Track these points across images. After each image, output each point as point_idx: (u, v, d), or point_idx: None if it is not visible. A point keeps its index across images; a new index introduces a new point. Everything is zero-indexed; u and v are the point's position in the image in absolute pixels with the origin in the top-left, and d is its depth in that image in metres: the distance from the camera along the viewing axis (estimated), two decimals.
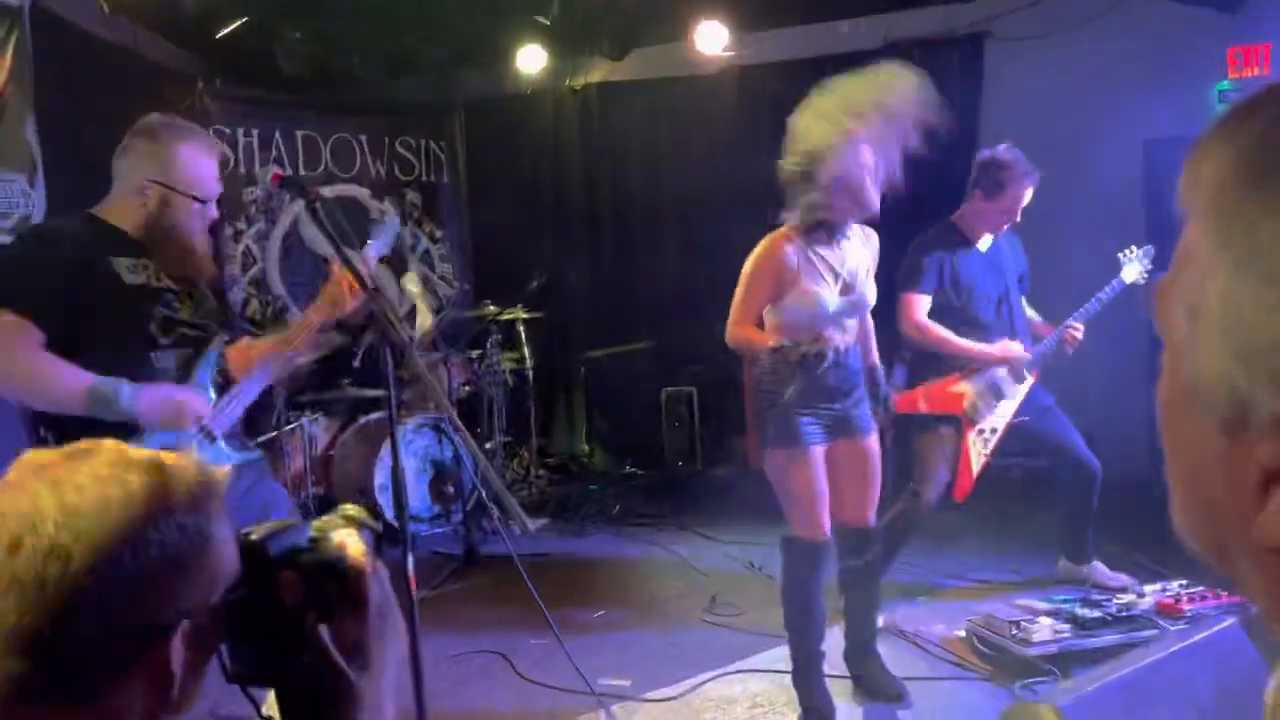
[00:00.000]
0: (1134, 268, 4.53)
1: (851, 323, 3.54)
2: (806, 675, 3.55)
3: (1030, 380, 4.44)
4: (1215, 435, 0.53)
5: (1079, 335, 4.49)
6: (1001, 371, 4.39)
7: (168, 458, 1.22)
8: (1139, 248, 4.58)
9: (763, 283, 3.42)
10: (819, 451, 3.44)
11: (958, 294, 4.38)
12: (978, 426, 4.38)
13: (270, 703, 1.25)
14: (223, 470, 1.29)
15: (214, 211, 2.93)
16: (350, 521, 1.28)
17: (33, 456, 1.14)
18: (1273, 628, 0.57)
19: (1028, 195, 4.34)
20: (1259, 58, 5.04)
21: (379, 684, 1.22)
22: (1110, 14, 5.94)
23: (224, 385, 3.01)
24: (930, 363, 4.41)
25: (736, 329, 3.47)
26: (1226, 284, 0.51)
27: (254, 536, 1.21)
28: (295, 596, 1.20)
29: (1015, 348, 4.38)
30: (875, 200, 3.36)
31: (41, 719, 1.08)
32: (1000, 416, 4.41)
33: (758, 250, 3.44)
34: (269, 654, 1.20)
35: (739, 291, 3.47)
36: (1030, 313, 4.65)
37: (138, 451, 1.19)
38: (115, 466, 1.12)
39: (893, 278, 4.03)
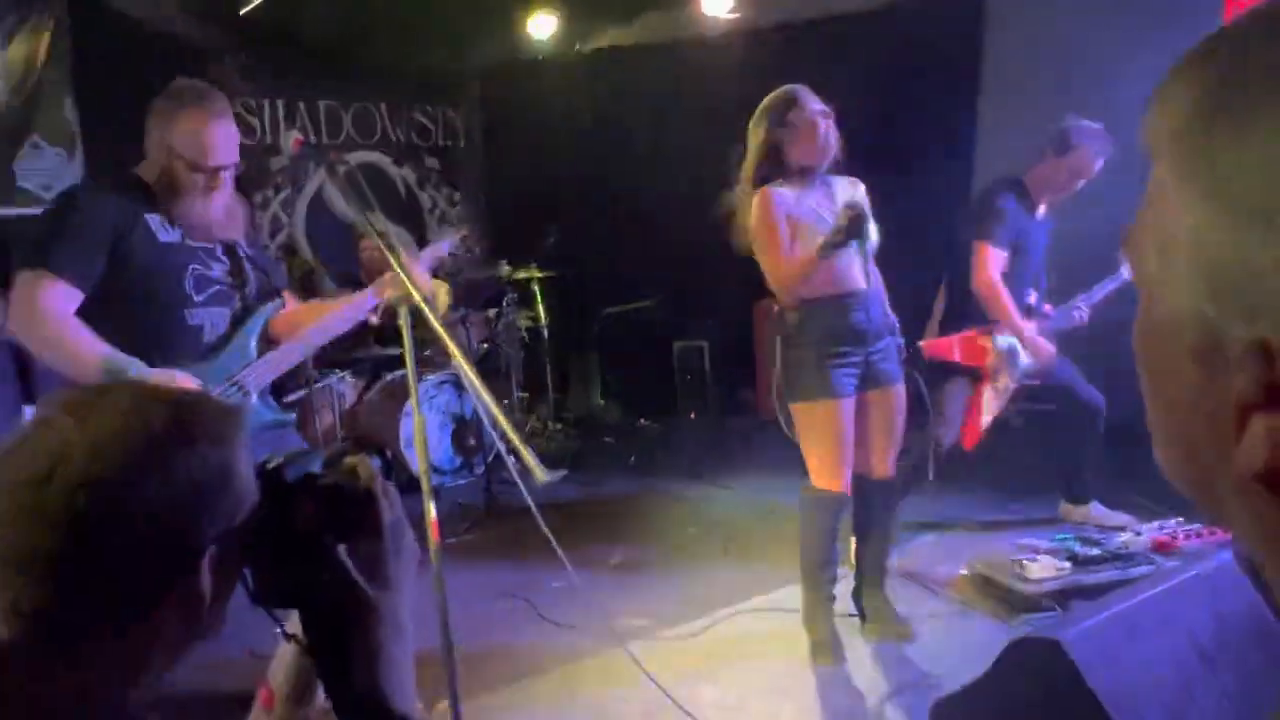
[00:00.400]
0: (1083, 307, 4.61)
1: (868, 262, 3.53)
2: (816, 615, 3.62)
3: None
4: (1191, 370, 0.52)
5: (1085, 319, 4.55)
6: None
7: (188, 393, 1.24)
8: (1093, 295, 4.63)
9: (778, 224, 3.43)
10: (850, 404, 3.46)
11: (1015, 257, 4.36)
12: (993, 382, 4.42)
13: (294, 624, 1.27)
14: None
15: (223, 179, 2.83)
16: (360, 445, 1.32)
17: (58, 394, 1.15)
18: (1255, 559, 0.55)
19: (1096, 166, 4.32)
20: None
21: (397, 600, 1.23)
22: None
23: (267, 346, 3.00)
24: (965, 312, 4.42)
25: (783, 269, 3.42)
26: (1195, 217, 0.50)
27: (271, 464, 1.23)
28: (311, 519, 1.22)
29: (1050, 349, 4.44)
30: (833, 141, 3.45)
31: (79, 647, 1.10)
32: (1014, 374, 4.44)
33: (755, 208, 3.45)
34: (290, 575, 1.22)
35: (763, 247, 3.45)
36: None
37: (158, 388, 1.22)
38: (138, 400, 1.14)
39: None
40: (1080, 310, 4.57)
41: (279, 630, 1.31)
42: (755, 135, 3.53)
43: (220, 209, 2.88)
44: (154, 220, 2.78)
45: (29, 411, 4.05)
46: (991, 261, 4.27)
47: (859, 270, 3.48)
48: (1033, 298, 4.52)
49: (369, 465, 1.26)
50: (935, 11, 6.50)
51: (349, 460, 1.27)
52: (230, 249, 2.98)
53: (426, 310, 2.57)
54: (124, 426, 1.10)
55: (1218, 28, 0.54)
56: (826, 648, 3.56)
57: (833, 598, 3.64)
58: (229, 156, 2.81)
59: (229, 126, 2.82)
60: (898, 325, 3.65)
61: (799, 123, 3.44)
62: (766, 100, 3.54)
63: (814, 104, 3.47)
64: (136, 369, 2.65)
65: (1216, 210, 0.49)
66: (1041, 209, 4.47)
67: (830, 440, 3.44)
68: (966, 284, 4.36)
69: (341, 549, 1.21)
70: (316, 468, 1.26)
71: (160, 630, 1.13)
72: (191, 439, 1.13)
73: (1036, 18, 6.28)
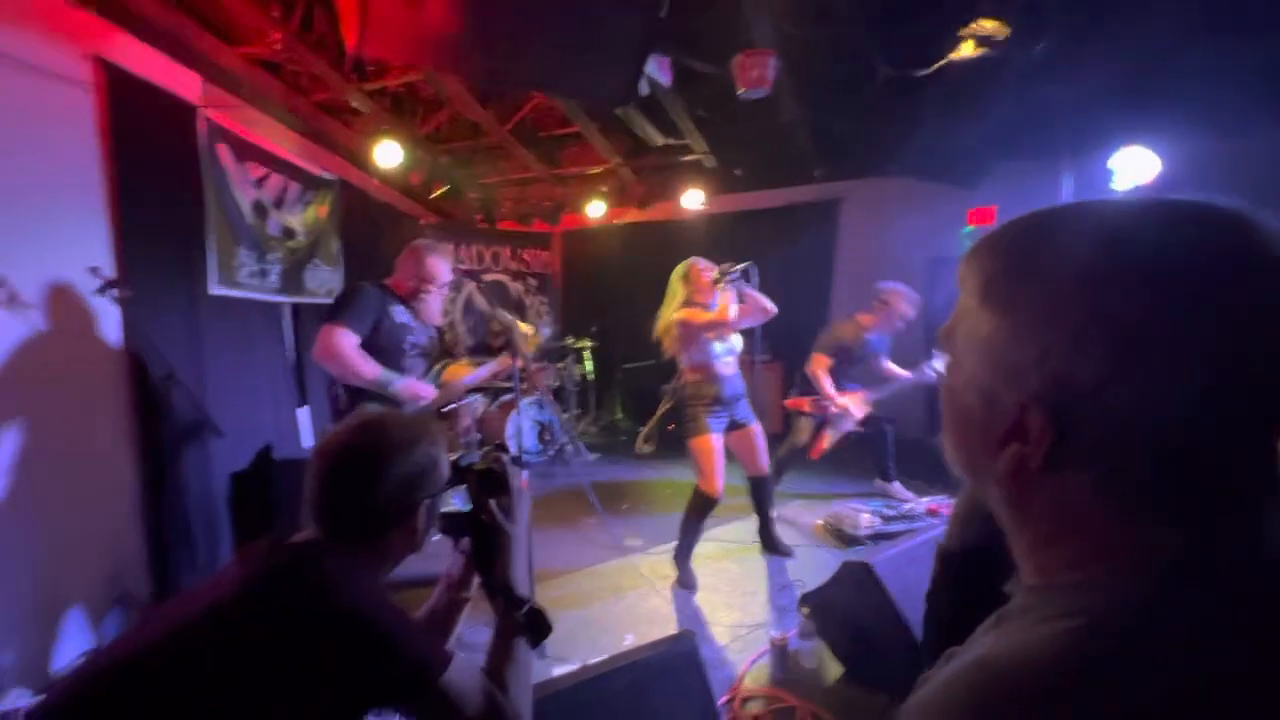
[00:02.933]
0: (937, 365, 4.40)
1: (733, 360, 3.38)
2: (684, 557, 3.38)
3: (868, 409, 4.41)
4: (978, 410, 0.51)
5: (881, 397, 4.42)
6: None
7: (426, 417, 1.28)
8: (939, 358, 4.45)
9: (697, 310, 3.34)
10: (720, 437, 3.26)
11: (851, 360, 4.33)
12: (831, 425, 4.35)
13: (465, 543, 1.29)
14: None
15: (444, 290, 2.92)
16: (500, 449, 1.32)
17: (362, 414, 1.19)
18: (999, 517, 0.53)
19: (910, 316, 4.22)
20: (987, 214, 5.04)
21: (520, 531, 1.23)
22: (907, 190, 5.94)
23: (438, 383, 3.00)
24: (810, 387, 4.38)
25: (707, 317, 3.17)
26: (990, 327, 0.50)
27: (453, 457, 1.25)
28: (474, 486, 1.24)
29: (860, 400, 4.32)
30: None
31: (353, 546, 1.10)
32: (846, 422, 4.34)
33: (682, 314, 3.33)
34: (464, 517, 1.24)
35: (695, 321, 3.26)
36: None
37: (411, 416, 1.23)
38: (403, 420, 1.19)
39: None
40: (877, 394, 4.44)
41: (455, 546, 1.31)
42: (677, 287, 3.40)
43: (435, 306, 2.93)
44: (397, 309, 2.79)
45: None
46: (819, 364, 4.25)
47: (726, 364, 3.36)
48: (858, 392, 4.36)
49: (503, 459, 1.28)
50: (813, 209, 6.57)
51: (493, 454, 1.28)
52: (428, 329, 2.99)
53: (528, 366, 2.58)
54: (398, 433, 1.15)
55: (1004, 225, 0.52)
56: (687, 578, 3.29)
57: (691, 550, 3.32)
58: (447, 279, 2.91)
59: (450, 262, 2.92)
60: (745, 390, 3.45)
61: (696, 281, 3.34)
62: (680, 267, 3.40)
63: (702, 266, 3.33)
64: (396, 380, 2.64)
65: (1002, 326, 0.49)
66: (873, 331, 4.34)
67: (708, 460, 3.14)
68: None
69: (492, 502, 1.22)
70: (477, 459, 1.27)
71: (394, 543, 1.15)
72: (420, 441, 1.16)
73: (867, 216, 6.37)
